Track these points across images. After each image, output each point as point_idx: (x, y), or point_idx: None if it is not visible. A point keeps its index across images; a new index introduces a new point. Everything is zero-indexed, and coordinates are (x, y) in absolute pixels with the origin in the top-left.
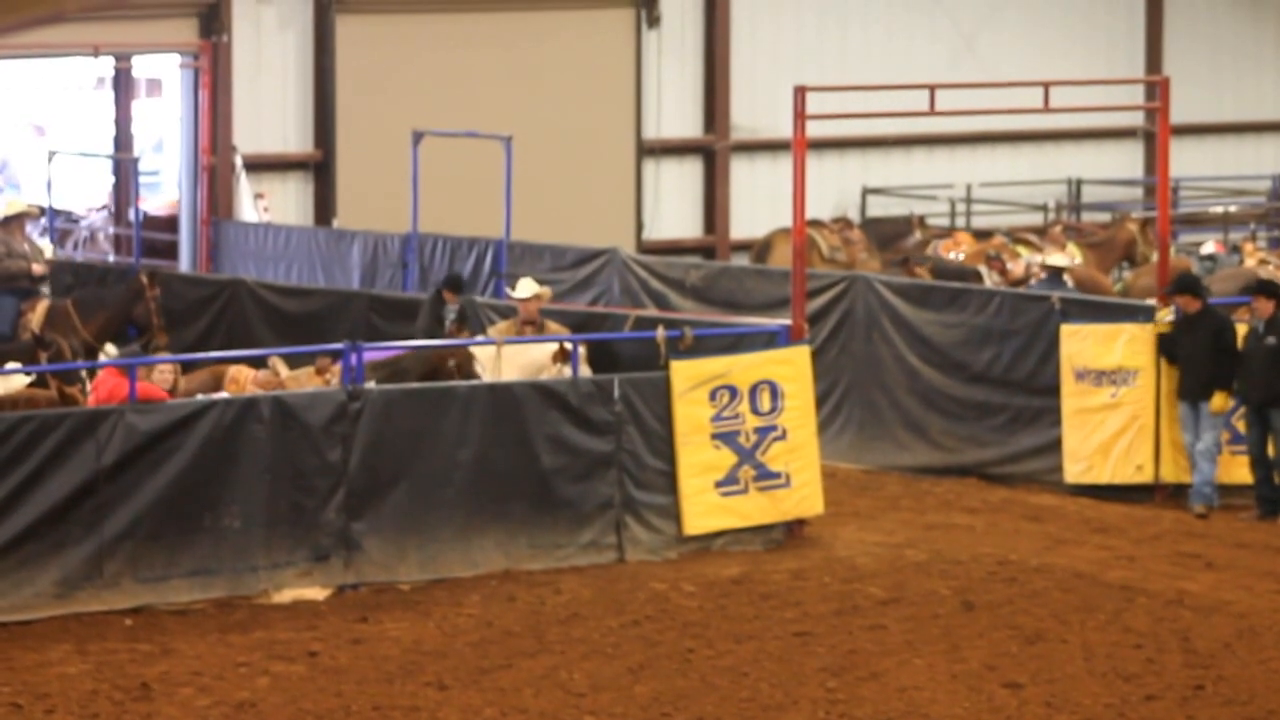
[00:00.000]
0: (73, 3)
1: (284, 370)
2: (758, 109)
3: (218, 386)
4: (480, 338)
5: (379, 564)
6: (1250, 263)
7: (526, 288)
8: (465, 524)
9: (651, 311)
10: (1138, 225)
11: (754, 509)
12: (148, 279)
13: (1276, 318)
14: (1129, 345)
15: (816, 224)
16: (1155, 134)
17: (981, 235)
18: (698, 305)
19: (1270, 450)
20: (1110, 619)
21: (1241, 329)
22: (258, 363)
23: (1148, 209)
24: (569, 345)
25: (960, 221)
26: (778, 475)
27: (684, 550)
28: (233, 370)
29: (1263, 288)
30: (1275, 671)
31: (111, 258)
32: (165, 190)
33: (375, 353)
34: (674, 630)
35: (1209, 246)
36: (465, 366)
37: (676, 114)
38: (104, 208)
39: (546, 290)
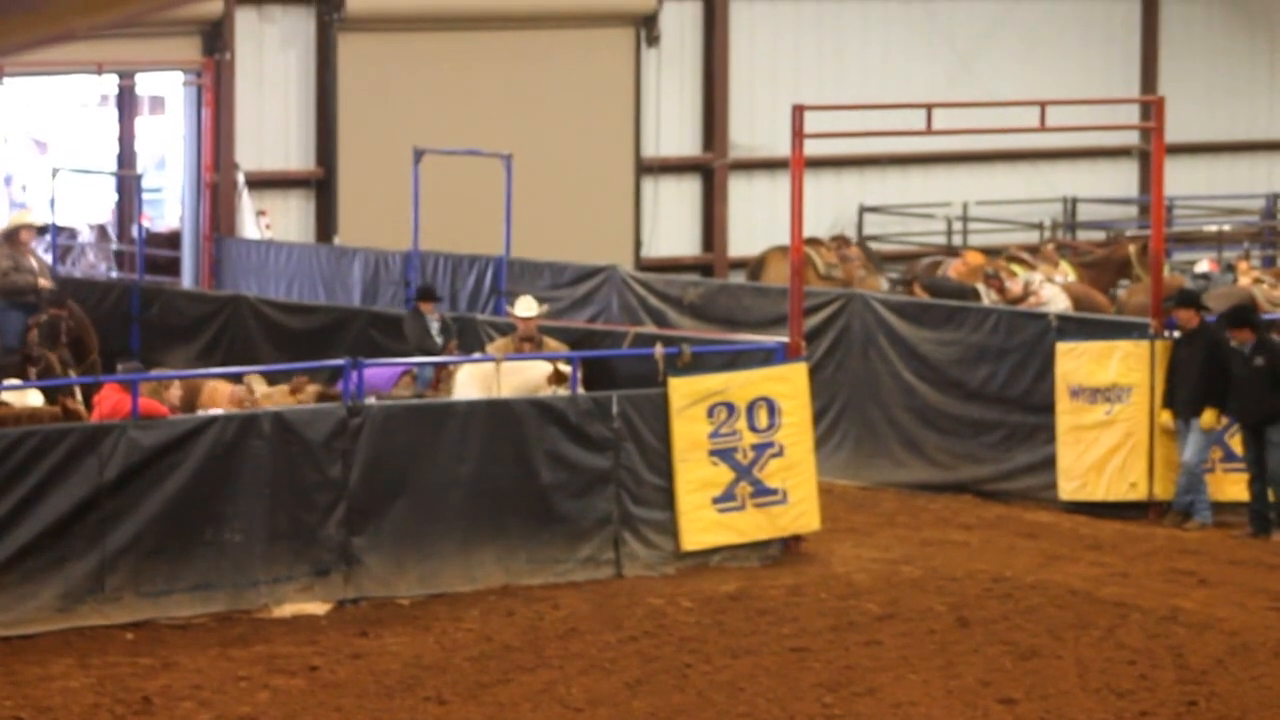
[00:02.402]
0: (81, 23)
1: (260, 388)
2: (756, 127)
3: (194, 402)
4: (477, 355)
5: (379, 579)
6: (1244, 281)
7: (527, 306)
8: (464, 539)
9: (650, 328)
10: (1137, 247)
11: (751, 525)
12: (51, 301)
13: (1263, 340)
14: (1123, 362)
15: (813, 241)
16: (1150, 153)
17: (987, 254)
18: (696, 322)
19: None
20: (1104, 635)
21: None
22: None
23: (1142, 227)
24: (565, 369)
25: (957, 240)
26: (775, 491)
27: (681, 566)
28: (209, 387)
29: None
30: (1268, 688)
31: (114, 273)
32: (170, 208)
33: (376, 369)
34: (671, 645)
35: (1203, 265)
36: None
37: (675, 132)
38: (98, 225)
39: (544, 307)
